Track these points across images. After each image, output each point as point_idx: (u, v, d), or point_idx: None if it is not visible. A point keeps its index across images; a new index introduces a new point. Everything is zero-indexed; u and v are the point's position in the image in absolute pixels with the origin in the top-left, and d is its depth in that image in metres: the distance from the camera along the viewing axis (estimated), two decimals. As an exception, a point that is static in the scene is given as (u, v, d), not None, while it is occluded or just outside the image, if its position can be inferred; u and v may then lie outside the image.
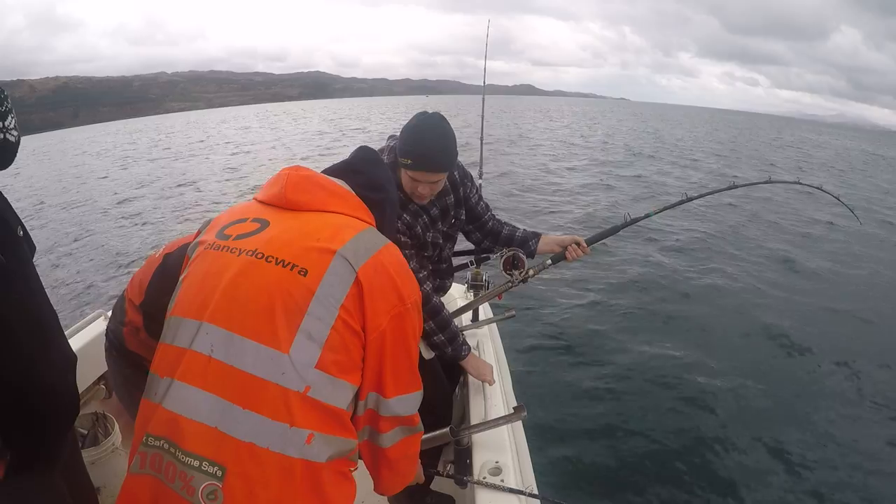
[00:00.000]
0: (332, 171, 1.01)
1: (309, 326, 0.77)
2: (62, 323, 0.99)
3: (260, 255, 0.82)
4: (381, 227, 0.96)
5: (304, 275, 0.79)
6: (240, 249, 0.84)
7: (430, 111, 1.50)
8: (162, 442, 0.75)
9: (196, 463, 0.72)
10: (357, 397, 0.87)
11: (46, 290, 0.92)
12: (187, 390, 0.76)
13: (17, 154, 0.92)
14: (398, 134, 1.55)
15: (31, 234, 0.93)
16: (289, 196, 0.89)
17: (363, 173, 1.00)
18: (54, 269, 6.99)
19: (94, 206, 11.44)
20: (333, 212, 0.90)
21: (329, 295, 0.79)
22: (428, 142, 1.41)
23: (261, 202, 0.93)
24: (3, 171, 0.90)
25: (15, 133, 0.90)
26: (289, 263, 0.80)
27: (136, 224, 9.34)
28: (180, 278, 0.91)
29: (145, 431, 0.77)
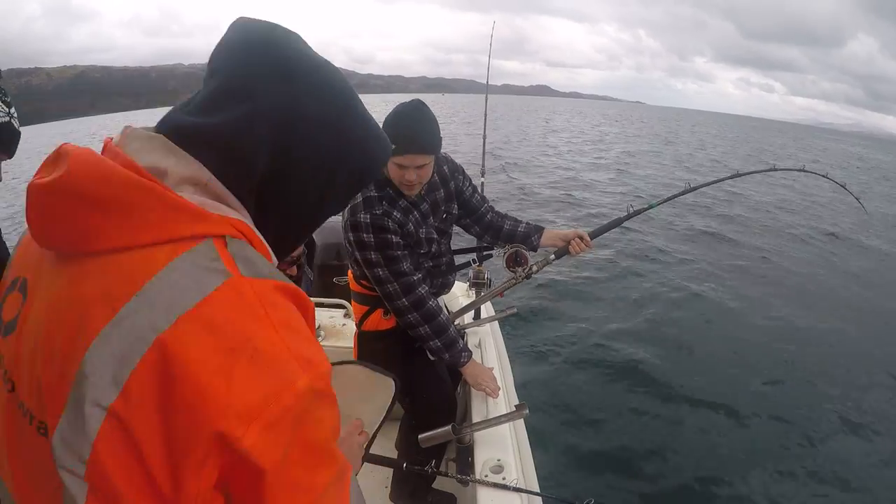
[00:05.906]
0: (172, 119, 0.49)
1: None
2: None
3: (7, 382, 0.46)
4: (267, 216, 0.50)
5: (45, 433, 0.41)
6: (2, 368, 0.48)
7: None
8: None
9: None
10: None
11: None
12: None
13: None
14: None
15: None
16: (46, 230, 0.44)
17: (220, 86, 0.47)
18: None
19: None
20: (118, 248, 0.41)
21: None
22: (408, 123, 1.40)
23: None
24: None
25: (17, 122, 0.92)
26: (28, 413, 0.44)
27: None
28: None
29: None
